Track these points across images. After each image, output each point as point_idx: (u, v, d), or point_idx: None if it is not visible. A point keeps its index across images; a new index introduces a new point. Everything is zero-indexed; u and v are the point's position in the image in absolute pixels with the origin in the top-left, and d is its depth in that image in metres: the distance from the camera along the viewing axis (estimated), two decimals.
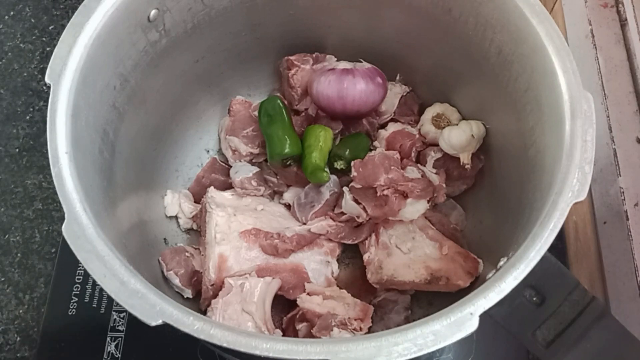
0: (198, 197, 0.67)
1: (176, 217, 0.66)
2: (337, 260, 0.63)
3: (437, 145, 0.64)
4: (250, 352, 0.37)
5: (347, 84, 0.61)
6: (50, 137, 0.44)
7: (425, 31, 0.61)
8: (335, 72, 0.62)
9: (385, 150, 0.64)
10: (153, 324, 0.38)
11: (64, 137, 0.44)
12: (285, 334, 0.58)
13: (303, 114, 0.68)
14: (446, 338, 0.37)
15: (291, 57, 0.67)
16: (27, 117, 0.79)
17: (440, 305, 0.39)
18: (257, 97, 0.72)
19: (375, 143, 0.67)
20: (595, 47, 0.72)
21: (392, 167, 0.59)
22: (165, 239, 0.64)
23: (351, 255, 0.66)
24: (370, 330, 0.56)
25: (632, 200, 0.64)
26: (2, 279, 0.69)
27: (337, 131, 0.66)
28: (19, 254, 0.71)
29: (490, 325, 0.40)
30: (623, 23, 0.73)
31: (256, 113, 0.66)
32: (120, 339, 0.65)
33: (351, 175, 0.60)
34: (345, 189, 0.61)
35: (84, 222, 0.41)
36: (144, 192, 0.61)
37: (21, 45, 0.84)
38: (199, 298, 0.59)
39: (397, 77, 0.69)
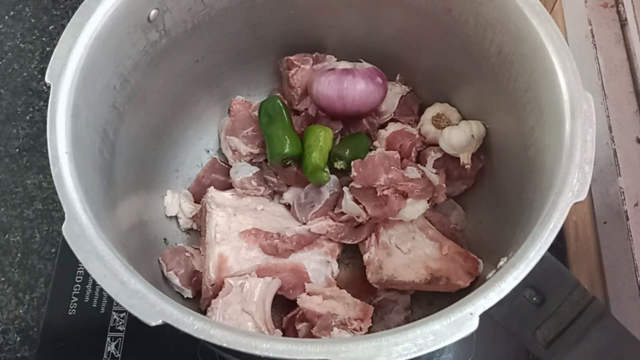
0: (198, 197, 0.67)
1: (176, 217, 0.66)
2: (337, 260, 0.63)
3: (437, 145, 0.64)
4: (250, 352, 0.37)
5: (347, 84, 0.61)
6: (50, 137, 0.44)
7: (425, 31, 0.61)
8: (335, 72, 0.62)
9: (385, 150, 0.64)
10: (153, 324, 0.38)
11: (64, 137, 0.44)
12: (285, 334, 0.58)
13: (303, 114, 0.68)
14: (446, 338, 0.37)
15: (291, 57, 0.67)
16: (27, 117, 0.79)
17: (440, 305, 0.39)
18: (257, 97, 0.72)
19: (375, 143, 0.67)
20: (595, 47, 0.72)
21: (392, 167, 0.59)
22: (165, 239, 0.64)
23: (351, 255, 0.66)
24: (370, 330, 0.56)
25: (632, 200, 0.64)
26: (2, 279, 0.69)
27: (337, 131, 0.66)
28: (19, 254, 0.71)
29: (490, 325, 0.40)
30: (623, 23, 0.73)
31: (256, 113, 0.66)
32: (120, 339, 0.65)
33: (351, 175, 0.60)
34: (345, 189, 0.61)
35: (84, 222, 0.41)
36: (144, 192, 0.61)
37: (21, 45, 0.84)
38: (199, 298, 0.59)
39: (397, 77, 0.69)
